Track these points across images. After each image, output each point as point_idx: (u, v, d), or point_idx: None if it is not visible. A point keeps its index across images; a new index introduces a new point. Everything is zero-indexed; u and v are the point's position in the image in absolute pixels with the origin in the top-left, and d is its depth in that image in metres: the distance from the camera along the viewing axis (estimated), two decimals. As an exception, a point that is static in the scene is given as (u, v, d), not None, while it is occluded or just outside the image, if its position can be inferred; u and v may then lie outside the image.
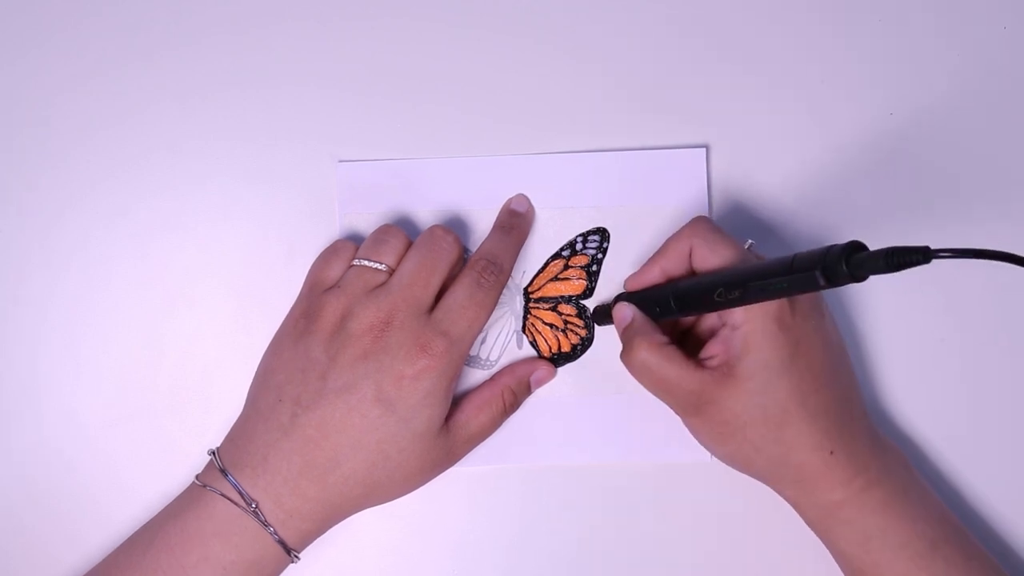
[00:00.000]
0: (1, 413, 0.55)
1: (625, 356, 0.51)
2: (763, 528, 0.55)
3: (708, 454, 0.55)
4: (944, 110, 0.57)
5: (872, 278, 0.41)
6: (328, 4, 0.56)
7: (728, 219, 0.56)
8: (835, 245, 0.41)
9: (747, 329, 0.47)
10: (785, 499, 0.51)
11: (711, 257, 0.49)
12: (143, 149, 0.56)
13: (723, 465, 0.55)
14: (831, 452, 0.48)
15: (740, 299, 0.46)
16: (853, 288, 0.56)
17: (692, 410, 0.50)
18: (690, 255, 0.50)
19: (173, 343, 0.56)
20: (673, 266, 0.51)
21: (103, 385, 0.55)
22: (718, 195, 0.56)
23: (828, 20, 0.57)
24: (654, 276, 0.52)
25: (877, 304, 0.56)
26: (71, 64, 0.56)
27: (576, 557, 0.56)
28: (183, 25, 0.56)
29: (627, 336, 0.51)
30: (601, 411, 0.55)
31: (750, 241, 0.51)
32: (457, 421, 0.52)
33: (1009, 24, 0.57)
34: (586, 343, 0.56)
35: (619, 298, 0.53)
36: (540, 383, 0.55)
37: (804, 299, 0.48)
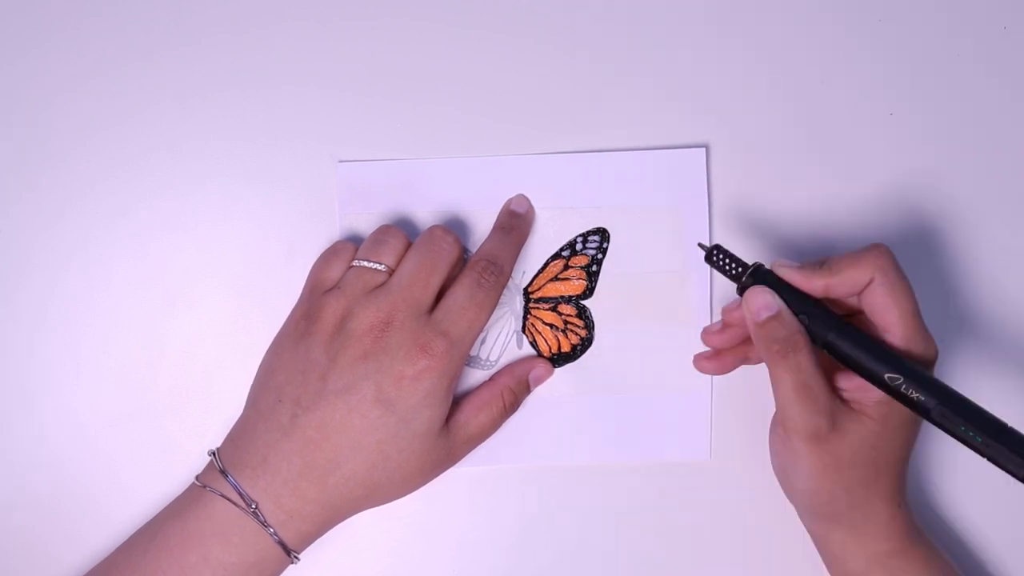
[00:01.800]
0: (1, 413, 0.55)
1: (783, 354, 0.47)
2: (763, 528, 0.55)
3: (708, 454, 0.55)
4: (943, 110, 0.57)
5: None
6: (328, 4, 0.56)
7: (728, 219, 0.56)
8: None
9: None
10: (828, 543, 0.51)
11: (889, 309, 0.47)
12: (143, 149, 0.56)
13: (723, 465, 0.55)
14: (899, 505, 0.50)
15: (911, 400, 0.45)
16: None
17: (810, 435, 0.48)
18: (865, 287, 0.47)
19: (173, 343, 0.56)
20: (843, 290, 0.48)
21: (103, 385, 0.55)
22: (718, 195, 0.56)
23: (828, 20, 0.57)
24: (815, 290, 0.48)
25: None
26: (71, 64, 0.56)
27: (576, 557, 0.56)
28: (183, 25, 0.56)
29: (776, 329, 0.47)
30: (601, 411, 0.55)
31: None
32: (457, 422, 0.52)
33: (1009, 24, 0.57)
34: (586, 343, 0.56)
35: (755, 275, 0.49)
36: (539, 381, 0.55)
37: (936, 358, 0.48)
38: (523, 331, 0.56)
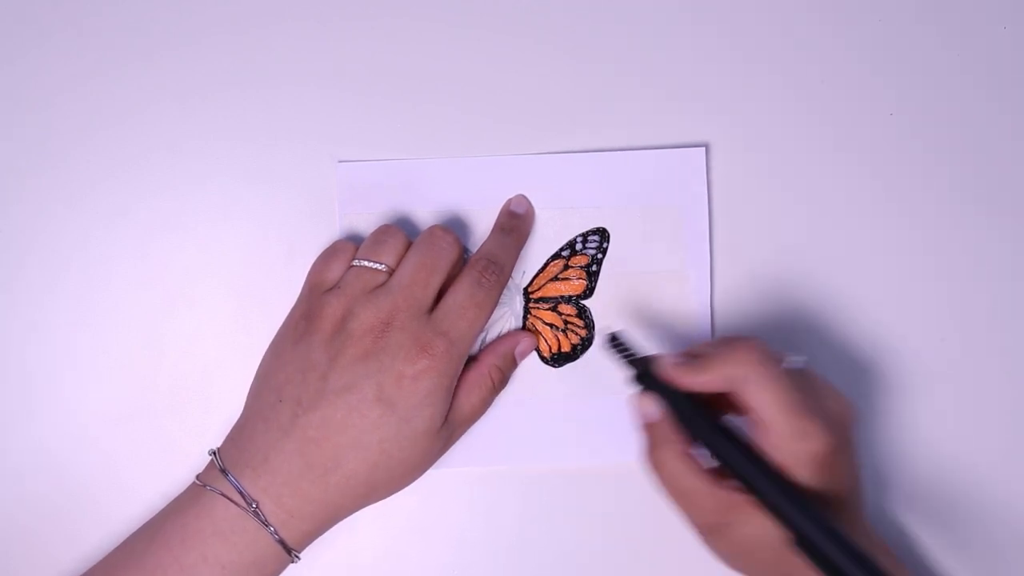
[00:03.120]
0: (1, 413, 0.55)
1: (650, 457, 0.49)
2: (763, 528, 0.55)
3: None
4: (944, 110, 0.57)
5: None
6: (328, 4, 0.56)
7: (728, 219, 0.56)
8: None
9: (785, 464, 0.46)
10: None
11: (764, 406, 0.46)
12: (143, 149, 0.56)
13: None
14: None
15: (775, 519, 0.45)
16: (853, 289, 0.56)
17: (706, 528, 0.48)
18: (740, 383, 0.47)
19: (173, 343, 0.56)
20: (718, 387, 0.47)
21: (103, 385, 0.55)
22: (718, 195, 0.56)
23: (828, 20, 0.57)
24: (692, 387, 0.48)
25: (877, 304, 0.56)
26: (71, 64, 0.56)
27: (576, 557, 0.56)
28: (183, 25, 0.56)
29: (652, 436, 0.49)
30: (601, 411, 0.55)
31: (801, 359, 0.48)
32: (450, 407, 0.52)
33: (1009, 24, 0.57)
34: (586, 343, 0.56)
35: (641, 376, 0.49)
36: (524, 354, 0.55)
37: (846, 437, 0.47)
38: (523, 331, 0.56)
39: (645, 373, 0.49)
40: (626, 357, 0.51)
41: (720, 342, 0.48)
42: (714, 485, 0.47)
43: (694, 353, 0.48)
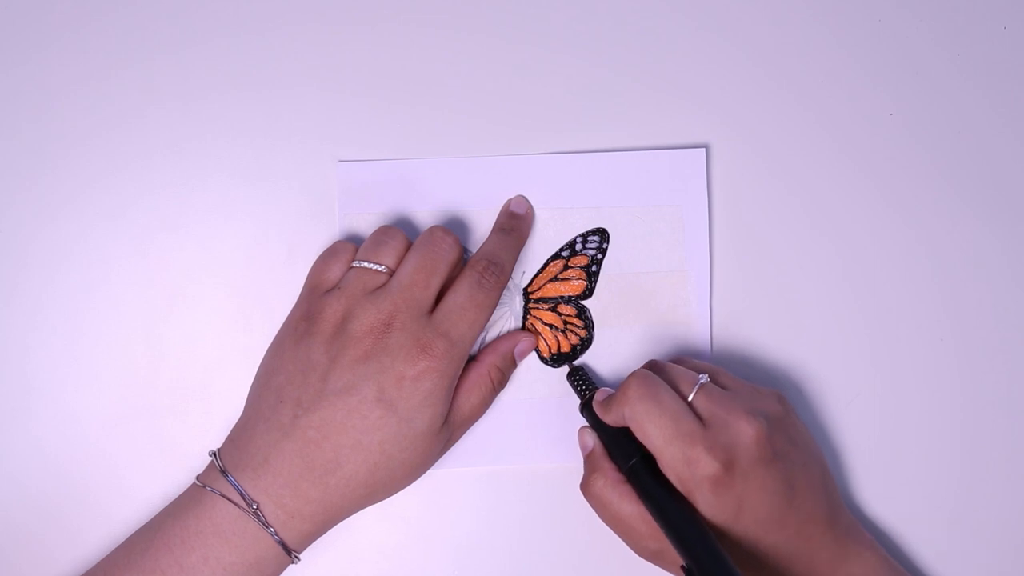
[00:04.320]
0: (1, 413, 0.55)
1: (583, 486, 0.51)
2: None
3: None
4: (944, 110, 0.57)
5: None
6: (328, 5, 0.56)
7: (728, 219, 0.56)
8: None
9: (686, 491, 0.48)
10: None
11: (640, 433, 0.48)
12: (143, 149, 0.56)
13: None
14: (792, 564, 0.49)
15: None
16: (853, 289, 0.56)
17: (647, 553, 0.50)
18: (629, 418, 0.49)
19: (173, 343, 0.56)
20: (622, 423, 0.50)
21: (103, 385, 0.55)
22: (718, 195, 0.56)
23: (828, 20, 0.57)
24: (610, 421, 0.51)
25: (876, 304, 0.56)
26: (71, 64, 0.56)
27: (575, 557, 0.56)
28: (183, 25, 0.56)
29: (590, 465, 0.51)
30: (601, 411, 0.55)
31: (702, 379, 0.50)
32: (450, 407, 0.52)
33: (1009, 24, 0.57)
34: (586, 343, 0.56)
35: (588, 411, 0.53)
36: (523, 355, 0.55)
37: (744, 456, 0.47)
38: (523, 331, 0.56)
39: (587, 405, 0.53)
40: (580, 389, 0.54)
41: (617, 390, 0.51)
42: (646, 513, 0.49)
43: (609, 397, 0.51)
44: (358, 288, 0.51)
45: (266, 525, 0.48)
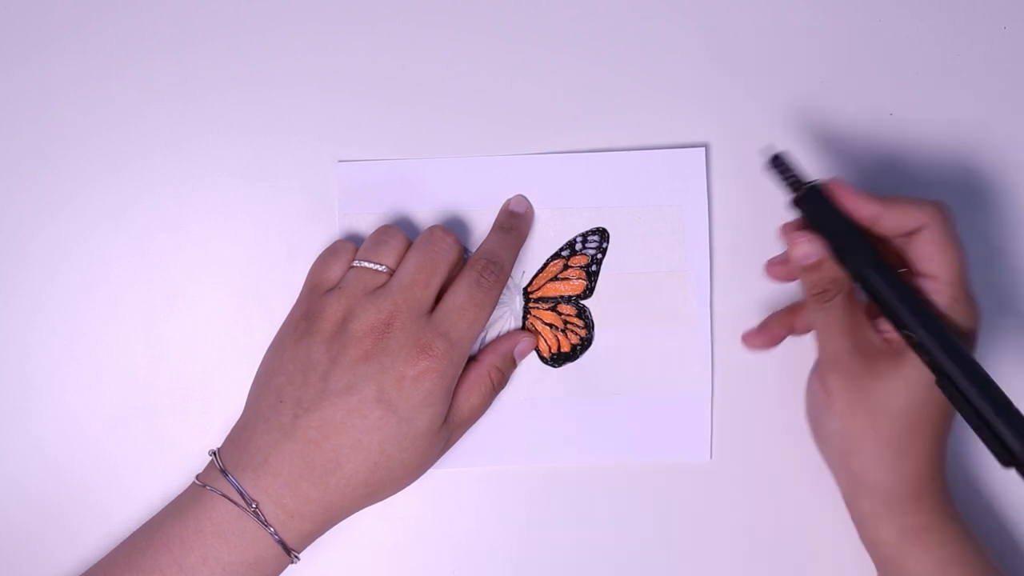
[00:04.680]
0: (1, 413, 0.55)
1: (821, 304, 0.48)
2: (763, 528, 0.55)
3: (708, 454, 0.55)
4: (944, 110, 0.57)
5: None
6: (328, 5, 0.56)
7: (728, 219, 0.56)
8: None
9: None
10: (859, 509, 0.50)
11: (934, 261, 0.46)
12: (143, 149, 0.56)
13: (723, 465, 0.55)
14: (933, 478, 0.49)
15: (922, 357, 0.45)
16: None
17: (845, 370, 0.48)
18: (915, 232, 0.47)
19: (173, 343, 0.56)
20: (892, 224, 0.47)
21: (103, 385, 0.55)
22: (718, 195, 0.56)
23: (828, 20, 0.57)
24: (863, 214, 0.47)
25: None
26: (71, 64, 0.56)
27: (575, 558, 0.56)
28: (183, 25, 0.56)
29: (816, 280, 0.48)
30: (601, 411, 0.55)
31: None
32: (449, 408, 0.52)
33: (1009, 24, 0.57)
34: (586, 343, 0.56)
35: (803, 199, 0.48)
36: (523, 355, 0.55)
37: (976, 329, 0.47)
38: (522, 331, 0.56)
39: (809, 198, 0.47)
40: (788, 180, 0.49)
41: (902, 196, 0.47)
42: (874, 334, 0.48)
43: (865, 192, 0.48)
44: (358, 288, 0.51)
45: (266, 525, 0.48)
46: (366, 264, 0.51)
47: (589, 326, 0.56)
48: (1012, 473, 0.43)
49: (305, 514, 0.49)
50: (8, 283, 0.55)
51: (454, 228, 0.54)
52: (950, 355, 0.44)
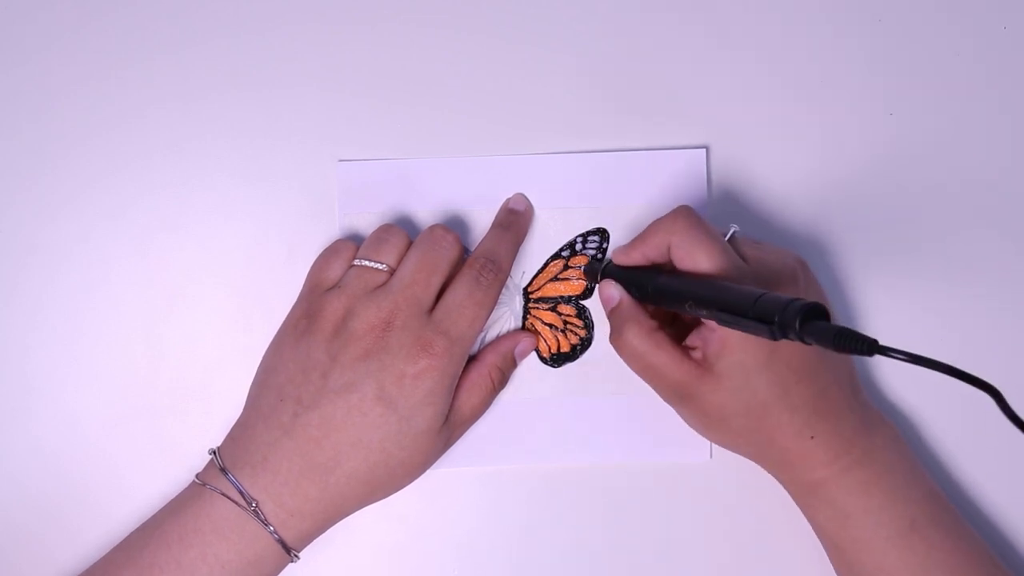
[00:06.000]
0: (1, 413, 0.55)
1: (615, 339, 0.51)
2: (763, 528, 0.55)
3: (708, 454, 0.55)
4: (944, 110, 0.57)
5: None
6: (328, 5, 0.56)
7: (728, 219, 0.56)
8: (797, 302, 0.41)
9: (724, 332, 0.47)
10: (773, 476, 0.52)
11: (687, 260, 0.49)
12: (143, 149, 0.56)
13: (723, 465, 0.55)
14: (812, 437, 0.49)
15: (708, 316, 0.46)
16: (853, 289, 0.56)
17: (677, 399, 0.50)
18: (674, 247, 0.50)
19: (173, 343, 0.56)
20: (655, 255, 0.51)
21: (103, 385, 0.55)
22: (718, 195, 0.56)
23: (828, 20, 0.57)
24: (637, 260, 0.51)
25: (877, 304, 0.56)
26: (71, 64, 0.56)
27: (575, 558, 0.56)
28: (183, 25, 0.56)
29: (616, 319, 0.51)
30: (601, 411, 0.55)
31: (733, 228, 0.51)
32: (450, 407, 0.52)
33: (1009, 24, 0.57)
34: (586, 343, 0.56)
35: (605, 272, 0.53)
36: (524, 355, 0.55)
37: (788, 290, 0.48)
38: (523, 331, 0.56)
39: (606, 266, 0.53)
40: (594, 268, 0.54)
41: (652, 223, 0.51)
42: (680, 358, 0.49)
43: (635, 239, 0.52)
44: (359, 286, 0.51)
45: (265, 523, 0.48)
46: (367, 263, 0.51)
47: (589, 326, 0.56)
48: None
49: (305, 512, 0.49)
50: (8, 283, 0.55)
51: (454, 227, 0.54)
52: (699, 290, 0.46)
